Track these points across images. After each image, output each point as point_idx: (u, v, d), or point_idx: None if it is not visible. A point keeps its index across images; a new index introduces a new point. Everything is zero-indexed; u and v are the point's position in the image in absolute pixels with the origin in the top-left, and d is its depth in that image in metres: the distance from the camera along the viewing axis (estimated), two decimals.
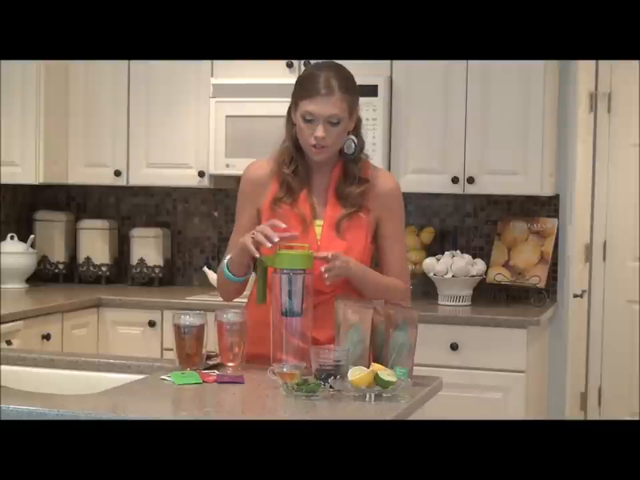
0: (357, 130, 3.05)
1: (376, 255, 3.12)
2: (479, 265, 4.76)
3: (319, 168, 3.04)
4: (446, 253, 4.80)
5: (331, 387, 2.62)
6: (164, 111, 5.01)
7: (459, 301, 4.70)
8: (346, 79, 2.97)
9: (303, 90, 2.96)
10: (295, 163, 3.03)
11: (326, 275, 2.86)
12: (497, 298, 4.93)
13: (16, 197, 5.36)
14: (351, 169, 3.03)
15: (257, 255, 2.87)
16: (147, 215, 5.43)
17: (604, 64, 5.75)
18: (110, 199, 5.48)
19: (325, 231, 3.01)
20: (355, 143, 3.03)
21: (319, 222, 3.02)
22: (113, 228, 5.39)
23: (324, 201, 3.04)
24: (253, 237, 2.86)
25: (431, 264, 4.74)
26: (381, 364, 2.69)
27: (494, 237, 4.93)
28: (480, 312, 4.57)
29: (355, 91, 2.99)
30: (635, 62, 5.39)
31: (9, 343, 4.13)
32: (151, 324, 4.76)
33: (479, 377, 4.39)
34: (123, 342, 4.75)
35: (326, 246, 2.97)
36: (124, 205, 5.47)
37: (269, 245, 2.83)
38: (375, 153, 4.57)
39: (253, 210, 3.05)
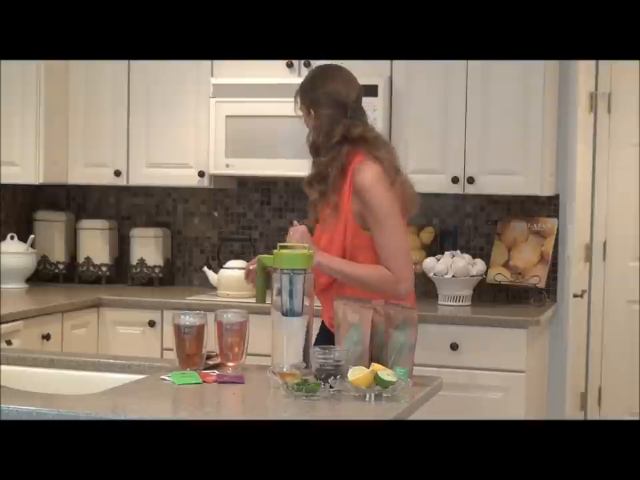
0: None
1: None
2: (479, 265, 4.75)
3: None
4: (446, 253, 4.79)
5: (330, 386, 2.62)
6: (164, 111, 5.00)
7: (458, 301, 4.70)
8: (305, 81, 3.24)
9: None
10: None
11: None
12: (497, 298, 4.92)
13: (16, 197, 5.36)
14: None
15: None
16: (146, 215, 5.43)
17: (604, 64, 5.74)
18: (110, 198, 5.48)
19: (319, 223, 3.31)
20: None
21: None
22: (113, 228, 5.39)
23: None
24: None
25: (430, 264, 4.74)
26: (381, 364, 2.69)
27: (494, 237, 4.93)
28: (480, 312, 4.57)
29: (306, 90, 3.21)
30: (635, 62, 5.38)
31: (9, 343, 4.12)
32: (151, 324, 4.75)
33: (478, 377, 4.38)
34: (123, 342, 4.75)
35: (316, 240, 3.23)
36: (124, 205, 5.47)
37: None
38: None
39: None
